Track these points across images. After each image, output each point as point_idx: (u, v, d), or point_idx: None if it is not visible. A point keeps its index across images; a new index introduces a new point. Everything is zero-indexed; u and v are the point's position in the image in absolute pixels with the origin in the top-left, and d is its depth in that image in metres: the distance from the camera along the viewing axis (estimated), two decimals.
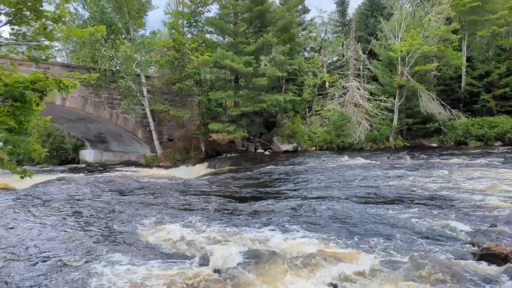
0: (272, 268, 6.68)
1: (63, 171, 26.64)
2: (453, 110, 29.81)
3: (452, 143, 29.62)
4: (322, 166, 20.11)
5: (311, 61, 32.30)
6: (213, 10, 56.55)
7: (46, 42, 7.12)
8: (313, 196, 12.90)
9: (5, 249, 7.84)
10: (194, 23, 29.95)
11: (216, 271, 6.64)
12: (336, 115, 28.44)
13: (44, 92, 6.79)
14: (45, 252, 7.72)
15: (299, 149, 27.55)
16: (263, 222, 9.69)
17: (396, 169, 18.12)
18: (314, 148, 27.92)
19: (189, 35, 30.00)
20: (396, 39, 29.93)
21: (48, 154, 25.47)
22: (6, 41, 6.51)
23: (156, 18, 76.41)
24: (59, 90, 6.83)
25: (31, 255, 7.54)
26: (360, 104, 29.02)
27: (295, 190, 14.41)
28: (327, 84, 32.88)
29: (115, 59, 26.42)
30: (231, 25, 27.07)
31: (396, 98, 29.35)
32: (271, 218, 10.03)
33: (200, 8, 29.24)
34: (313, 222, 9.59)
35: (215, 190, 15.24)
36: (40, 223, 10.18)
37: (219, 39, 30.46)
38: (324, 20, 34.74)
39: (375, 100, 29.72)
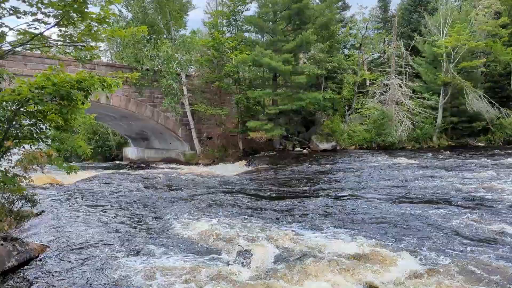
0: (308, 268, 6.64)
1: (107, 168, 27.66)
2: (501, 108, 28.42)
3: (501, 143, 28.25)
4: (361, 165, 19.76)
5: (351, 58, 31.77)
6: (252, 8, 56.82)
7: (92, 43, 7.43)
8: (350, 195, 12.71)
9: (52, 240, 8.24)
10: (233, 22, 30.21)
11: (252, 268, 6.69)
12: (377, 113, 27.83)
13: (89, 91, 7.06)
14: (87, 242, 8.04)
15: (338, 148, 27.18)
16: (299, 221, 9.67)
17: (439, 169, 17.52)
18: (353, 147, 27.47)
19: (228, 34, 30.30)
20: (441, 34, 28.88)
21: (93, 151, 26.50)
22: (55, 42, 6.83)
23: (196, 18, 77.66)
24: (103, 89, 7.10)
25: (75, 245, 7.88)
26: (402, 102, 28.22)
27: (332, 189, 14.25)
28: (367, 81, 32.24)
29: (156, 58, 27.09)
30: (270, 23, 27.08)
31: (441, 96, 28.34)
32: (307, 217, 9.99)
33: (239, 7, 29.46)
34: (350, 222, 9.46)
35: (252, 188, 15.33)
36: (84, 216, 10.62)
37: (257, 37, 30.57)
38: (365, 16, 33.97)
39: (418, 98, 28.82)
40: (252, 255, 7.18)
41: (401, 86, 28.82)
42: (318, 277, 6.29)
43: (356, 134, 27.75)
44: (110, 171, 24.03)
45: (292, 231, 8.80)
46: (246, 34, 30.49)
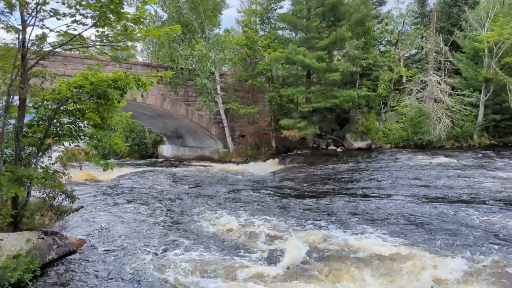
0: (340, 267, 6.56)
1: (142, 165, 28.29)
2: None
3: None
4: (397, 164, 19.29)
5: (387, 55, 31.02)
6: (285, 6, 56.52)
7: (128, 43, 7.61)
8: (385, 195, 12.44)
9: (89, 234, 8.51)
10: (266, 20, 30.19)
11: (283, 267, 6.66)
12: (414, 111, 27.07)
13: (125, 90, 7.22)
14: (122, 237, 8.26)
15: (373, 146, 26.64)
16: (331, 220, 9.56)
17: (479, 168, 16.87)
18: (389, 145, 26.85)
19: (262, 32, 30.29)
20: (483, 29, 27.73)
21: (130, 148, 27.14)
22: (92, 43, 7.04)
23: (230, 17, 78.09)
24: (138, 88, 7.25)
25: (111, 239, 8.11)
26: (441, 99, 27.30)
27: (366, 188, 14.00)
28: (404, 78, 31.40)
29: (191, 58, 27.45)
30: (304, 20, 26.87)
31: (482, 92, 27.22)
32: (340, 216, 9.86)
33: (272, 5, 29.41)
34: (384, 222, 9.27)
35: (284, 186, 15.29)
36: (119, 211, 10.92)
37: (291, 35, 30.39)
38: (402, 11, 33.12)
39: (458, 95, 27.80)
40: (283, 253, 7.17)
41: (439, 83, 27.89)
42: (352, 278, 6.19)
43: (392, 132, 27.10)
44: (146, 168, 24.59)
45: (324, 230, 8.70)
46: (280, 32, 30.40)
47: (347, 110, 28.84)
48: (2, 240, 6.01)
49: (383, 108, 29.24)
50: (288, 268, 6.67)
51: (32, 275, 5.46)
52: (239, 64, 28.25)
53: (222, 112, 27.88)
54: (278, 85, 27.10)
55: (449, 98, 27.38)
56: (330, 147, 27.22)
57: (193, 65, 27.31)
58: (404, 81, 31.31)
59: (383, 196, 12.29)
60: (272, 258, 7.06)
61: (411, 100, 27.99)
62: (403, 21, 31.96)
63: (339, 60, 28.73)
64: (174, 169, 23.16)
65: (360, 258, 6.90)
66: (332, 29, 25.86)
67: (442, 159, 19.99)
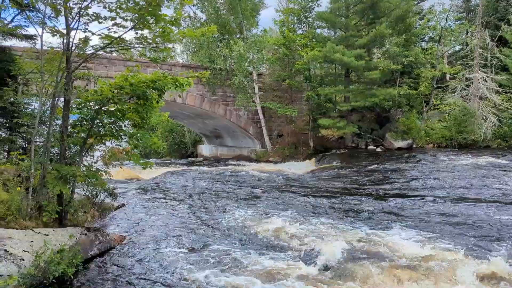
0: (377, 268, 6.40)
1: (182, 164, 28.85)
2: None
3: None
4: (439, 164, 18.62)
5: (429, 52, 29.99)
6: (323, 4, 55.87)
7: (168, 45, 7.77)
8: (426, 196, 12.02)
9: (130, 231, 8.76)
10: (304, 19, 30.01)
11: (321, 267, 6.58)
12: (458, 109, 26.00)
13: (163, 90, 7.38)
14: (161, 234, 8.44)
15: (414, 146, 25.85)
16: (368, 221, 9.36)
17: None
18: (431, 145, 25.95)
19: (299, 31, 30.13)
20: None
21: (170, 148, 27.81)
22: (132, 45, 7.24)
23: (267, 17, 78.25)
24: (175, 88, 7.39)
25: (150, 236, 8.31)
26: (487, 97, 26.09)
27: (406, 188, 13.61)
28: (447, 76, 30.24)
29: (229, 58, 27.72)
30: (342, 18, 26.48)
31: None
32: (378, 217, 9.64)
33: (310, 4, 29.20)
34: (425, 223, 8.97)
35: (321, 186, 15.12)
36: (159, 209, 11.17)
37: (329, 33, 30.07)
38: (445, 7, 31.87)
39: (506, 92, 26.47)
40: (319, 253, 7.07)
41: (485, 80, 26.66)
42: (390, 280, 6.04)
43: (434, 131, 26.17)
44: (185, 167, 25.04)
45: (362, 230, 8.54)
46: (318, 31, 30.17)
47: (387, 109, 28.15)
48: (47, 235, 6.29)
49: (425, 106, 28.31)
50: (324, 269, 6.59)
51: (75, 269, 5.68)
52: (276, 63, 28.24)
53: (259, 111, 28.00)
54: (316, 84, 26.85)
55: (496, 95, 26.11)
56: (369, 147, 26.68)
57: (231, 65, 27.57)
58: (447, 78, 30.16)
59: (424, 196, 11.88)
60: (308, 258, 6.99)
61: (455, 98, 26.91)
62: (446, 16, 30.80)
63: (378, 58, 28.10)
64: (212, 168, 23.45)
65: (398, 259, 6.72)
66: (371, 27, 25.34)
67: (488, 159, 19.11)
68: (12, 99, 10.30)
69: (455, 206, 10.39)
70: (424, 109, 28.03)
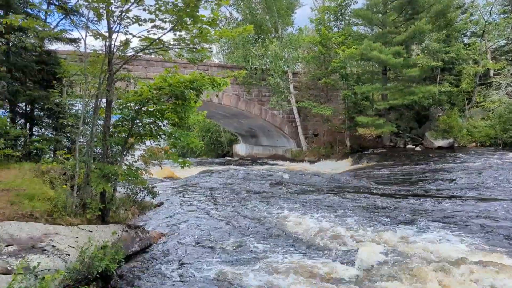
0: (417, 271, 6.23)
1: (218, 163, 29.19)
2: None
3: None
4: (483, 164, 17.89)
5: (472, 47, 28.85)
6: (360, 1, 54.94)
7: (204, 45, 7.87)
8: (469, 197, 11.59)
9: (168, 229, 8.94)
10: (340, 17, 29.63)
11: (359, 268, 6.48)
12: (503, 106, 24.87)
13: (200, 90, 7.48)
14: (199, 233, 8.56)
15: (455, 145, 24.94)
16: (408, 222, 9.12)
17: None
18: (473, 144, 24.92)
19: (335, 29, 29.78)
20: None
21: (206, 147, 28.16)
22: (170, 46, 7.38)
23: (303, 15, 77.69)
24: (212, 88, 7.47)
25: (188, 234, 8.45)
26: None
27: (447, 190, 13.17)
28: (491, 72, 29.01)
29: (264, 58, 27.76)
30: (380, 15, 25.94)
31: None
32: (419, 218, 9.37)
33: (346, 1, 28.77)
34: (466, 225, 8.66)
35: (359, 186, 14.89)
36: (196, 207, 11.35)
37: (366, 30, 29.52)
38: (489, 0, 30.63)
39: None
40: (357, 254, 6.95)
41: None
42: (431, 283, 5.86)
43: (477, 130, 25.12)
44: (221, 166, 25.32)
45: (401, 231, 8.34)
46: (354, 28, 29.67)
47: (427, 107, 27.29)
48: (91, 231, 6.52)
49: (467, 104, 27.25)
50: (362, 270, 6.48)
51: (117, 265, 5.84)
52: (312, 62, 28.02)
53: (295, 111, 27.89)
54: (353, 82, 26.44)
55: None
56: (408, 146, 25.99)
57: (267, 65, 27.60)
58: (491, 75, 28.93)
59: (467, 198, 11.47)
60: (346, 259, 6.89)
61: (500, 95, 25.76)
62: (490, 10, 29.53)
63: (417, 55, 27.31)
64: (247, 168, 23.58)
65: (440, 262, 6.50)
66: (410, 23, 24.66)
67: None
68: (57, 100, 10.74)
69: (499, 208, 9.96)
70: (466, 106, 26.98)
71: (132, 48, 7.35)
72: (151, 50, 7.47)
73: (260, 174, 19.36)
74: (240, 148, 36.46)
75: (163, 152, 8.40)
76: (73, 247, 5.80)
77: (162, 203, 11.77)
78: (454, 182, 14.49)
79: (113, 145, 7.92)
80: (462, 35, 30.13)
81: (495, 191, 12.24)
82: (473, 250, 7.06)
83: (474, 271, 6.04)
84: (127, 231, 7.26)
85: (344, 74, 26.52)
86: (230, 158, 35.17)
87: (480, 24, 29.18)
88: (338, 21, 29.93)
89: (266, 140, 33.15)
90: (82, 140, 8.94)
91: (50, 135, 11.64)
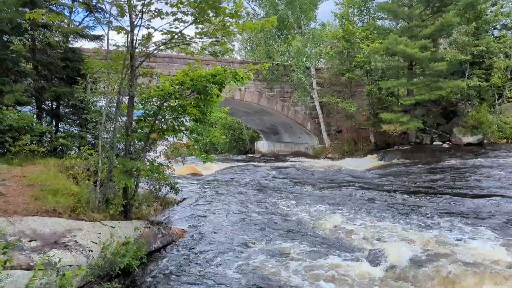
0: (448, 273, 5.94)
1: (240, 160, 29.11)
2: None
3: None
4: None
5: (502, 40, 27.84)
6: None
7: (226, 39, 7.73)
8: (499, 196, 11.06)
9: (190, 225, 8.86)
10: (364, 11, 29.06)
11: (386, 269, 6.23)
12: None
13: (223, 84, 7.34)
14: (221, 230, 8.45)
15: (485, 141, 24.12)
16: (437, 221, 8.79)
17: None
18: (505, 140, 24.06)
19: (360, 24, 29.23)
20: None
21: (228, 144, 28.24)
22: (193, 40, 7.26)
23: (326, 11, 76.71)
24: (235, 82, 7.32)
25: (210, 231, 8.34)
26: None
27: (477, 188, 12.64)
28: None
29: (287, 53, 27.48)
30: (405, 8, 25.27)
31: None
32: (447, 217, 9.02)
33: None
34: (501, 227, 8.25)
35: (384, 184, 14.51)
36: (218, 204, 11.24)
37: (391, 24, 28.85)
38: None
39: None
40: (384, 254, 6.70)
41: None
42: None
43: (509, 126, 24.23)
44: (243, 163, 25.24)
45: (430, 231, 8.03)
46: (379, 22, 29.05)
47: (454, 103, 26.51)
48: (114, 227, 6.48)
49: (498, 99, 26.33)
50: (389, 271, 6.23)
51: (139, 262, 5.77)
52: (335, 57, 27.57)
53: (317, 107, 27.54)
54: (377, 77, 25.87)
55: None
56: (435, 143, 25.29)
57: (289, 61, 27.31)
58: None
59: (498, 196, 10.96)
60: (372, 259, 6.65)
61: None
62: None
63: (445, 48, 26.54)
64: (270, 165, 23.41)
65: (472, 263, 6.19)
66: (437, 15, 23.91)
67: None
68: (82, 97, 10.81)
69: None
70: (496, 102, 26.08)
71: (154, 43, 7.26)
72: (172, 44, 7.36)
73: (283, 171, 19.17)
74: (262, 145, 36.29)
75: (185, 148, 8.30)
76: (96, 243, 5.76)
77: (185, 199, 11.72)
78: (485, 180, 13.93)
79: (136, 141, 7.86)
80: (492, 28, 29.11)
81: None
82: (510, 251, 6.70)
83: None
84: (149, 227, 7.20)
85: (368, 69, 25.97)
86: (252, 155, 35.05)
87: (511, 17, 28.14)
88: (363, 15, 29.36)
89: (288, 137, 32.88)
90: (105, 136, 8.94)
91: (75, 131, 11.75)
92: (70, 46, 12.37)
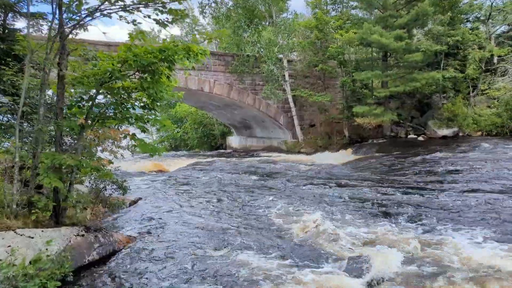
0: (445, 284, 4.93)
1: (210, 156, 27.81)
2: None
3: None
4: (491, 154, 16.59)
5: (475, 32, 27.45)
6: None
7: (181, 6, 6.49)
8: (481, 190, 10.20)
9: (141, 231, 7.57)
10: (338, 0, 28.14)
11: (370, 281, 5.15)
12: (509, 94, 23.57)
13: (173, 61, 6.08)
14: (178, 235, 7.22)
15: (460, 134, 23.62)
16: (425, 220, 7.80)
17: None
18: (479, 133, 23.59)
19: (333, 13, 28.32)
20: None
21: (198, 140, 26.85)
22: (134, 5, 5.95)
23: (298, 3, 75.66)
24: (187, 58, 6.07)
25: (164, 237, 7.08)
26: None
27: (458, 182, 11.76)
28: (495, 58, 27.66)
29: (258, 44, 26.29)
30: None
31: None
32: (431, 216, 8.06)
33: None
34: (482, 224, 7.34)
35: (360, 179, 13.52)
36: (180, 205, 10.00)
37: (365, 14, 28.04)
38: None
39: None
40: (367, 262, 5.62)
41: None
42: None
43: (483, 118, 23.75)
44: (212, 158, 23.96)
45: (417, 233, 7.02)
46: (353, 12, 28.20)
47: (429, 95, 25.91)
48: (32, 237, 5.15)
49: (472, 91, 25.90)
50: (374, 282, 5.15)
51: (58, 284, 4.46)
52: (308, 48, 26.50)
53: (290, 100, 26.47)
54: (351, 69, 24.95)
55: None
56: (410, 136, 24.64)
57: (260, 52, 26.12)
58: (495, 61, 27.58)
59: (480, 191, 10.09)
60: (352, 268, 5.56)
61: (505, 82, 24.42)
62: None
63: (419, 40, 25.89)
64: (240, 160, 22.21)
65: (472, 272, 5.20)
66: (412, 5, 23.20)
67: None
68: (11, 80, 9.26)
69: None
70: (471, 94, 25.64)
71: (87, 9, 5.91)
72: (110, 10, 6.01)
73: (253, 167, 18.00)
74: (234, 140, 35.05)
75: (122, 136, 6.98)
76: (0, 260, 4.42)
77: (140, 198, 10.40)
78: (465, 174, 13.13)
79: (68, 130, 6.48)
80: (465, 20, 28.71)
81: (507, 183, 10.90)
82: (496, 251, 5.76)
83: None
84: (83, 235, 5.88)
85: (342, 60, 25.03)
86: (223, 151, 33.77)
87: (484, 9, 27.78)
88: (336, 4, 28.43)
89: (261, 132, 31.75)
90: (25, 124, 7.52)
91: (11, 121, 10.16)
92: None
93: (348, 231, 7.24)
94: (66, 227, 5.95)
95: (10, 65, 8.88)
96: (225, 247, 6.61)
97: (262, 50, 25.96)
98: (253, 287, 5.08)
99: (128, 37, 6.29)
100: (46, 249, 5.01)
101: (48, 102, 6.71)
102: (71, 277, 4.89)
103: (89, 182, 8.03)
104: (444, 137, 23.10)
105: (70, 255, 5.17)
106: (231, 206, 9.87)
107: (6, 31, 10.34)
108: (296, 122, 26.90)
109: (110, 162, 6.87)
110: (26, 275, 4.14)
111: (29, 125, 9.65)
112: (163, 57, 6.06)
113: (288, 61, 27.03)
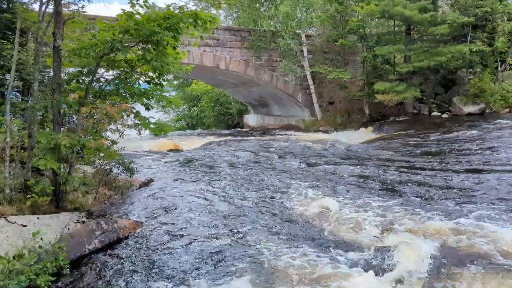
0: (490, 279, 4.31)
1: (226, 135, 27.28)
2: None
3: None
4: None
5: (505, 3, 25.85)
6: None
7: None
8: None
9: (150, 216, 7.10)
10: None
11: (397, 278, 4.55)
12: None
13: (178, 30, 5.44)
14: (189, 220, 6.72)
15: (486, 111, 22.47)
16: (459, 205, 7.09)
17: None
18: (507, 109, 22.45)
19: None
20: None
21: (215, 119, 26.35)
22: None
23: None
24: (195, 26, 5.43)
25: (174, 223, 6.60)
26: None
27: (490, 163, 10.98)
28: None
29: (275, 18, 25.33)
30: None
31: None
32: (469, 201, 7.34)
33: None
34: None
35: (382, 159, 12.79)
36: (192, 186, 9.48)
37: None
38: None
39: None
40: (394, 255, 4.99)
41: None
42: None
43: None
44: (229, 137, 23.41)
45: (452, 219, 6.33)
46: None
47: (454, 70, 24.65)
48: (25, 226, 4.69)
49: (500, 66, 24.54)
50: (402, 281, 4.55)
51: (51, 278, 3.99)
52: (327, 22, 25.38)
53: (308, 77, 25.56)
54: (372, 44, 23.82)
55: None
56: (433, 113, 23.58)
57: (277, 27, 25.16)
58: None
59: None
60: (377, 263, 4.94)
61: None
62: None
63: (444, 12, 24.50)
64: (257, 139, 21.63)
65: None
66: None
67: None
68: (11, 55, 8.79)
69: None
70: (499, 69, 24.30)
71: None
72: None
73: (269, 146, 17.36)
74: (251, 119, 34.42)
75: (121, 114, 6.43)
76: None
77: (151, 180, 9.92)
78: (494, 153, 12.31)
79: (66, 106, 5.95)
80: None
81: None
82: None
83: None
84: (83, 222, 5.41)
85: (363, 34, 23.90)
86: (240, 129, 33.21)
87: None
88: None
89: (278, 110, 31.00)
90: (17, 98, 7.03)
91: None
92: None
93: (372, 217, 6.62)
94: (66, 213, 5.49)
95: (11, 39, 8.41)
96: (238, 234, 6.10)
97: (279, 24, 24.99)
98: (268, 279, 4.56)
99: (129, 3, 5.68)
100: (37, 240, 4.53)
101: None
102: (68, 269, 4.42)
103: (97, 164, 7.56)
104: (470, 114, 22.01)
105: (67, 244, 4.71)
106: (246, 188, 9.32)
107: (11, 4, 9.91)
108: (314, 99, 26.07)
109: (114, 142, 6.36)
110: (12, 271, 3.68)
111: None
112: (167, 25, 5.44)
113: (307, 36, 26.03)
